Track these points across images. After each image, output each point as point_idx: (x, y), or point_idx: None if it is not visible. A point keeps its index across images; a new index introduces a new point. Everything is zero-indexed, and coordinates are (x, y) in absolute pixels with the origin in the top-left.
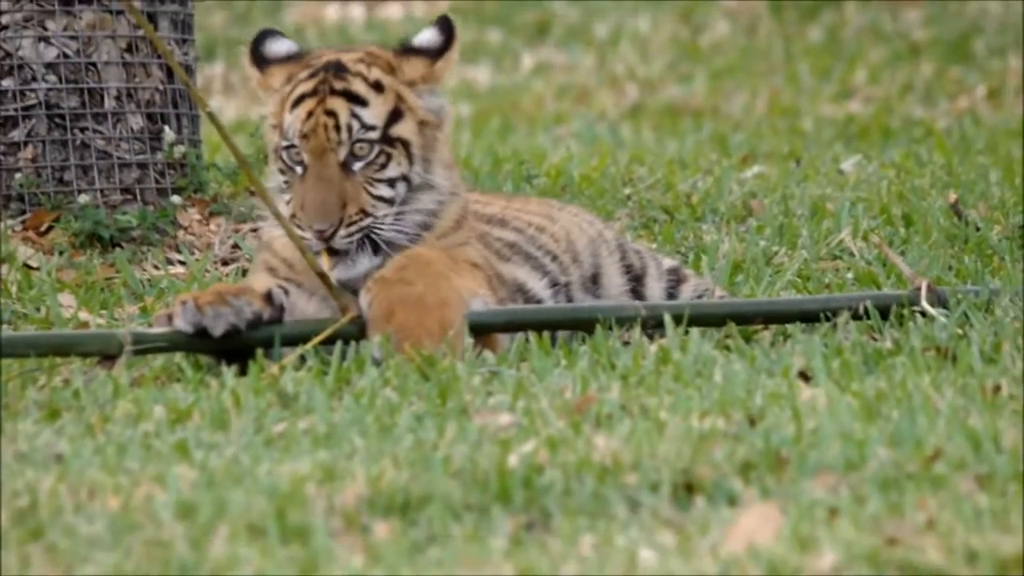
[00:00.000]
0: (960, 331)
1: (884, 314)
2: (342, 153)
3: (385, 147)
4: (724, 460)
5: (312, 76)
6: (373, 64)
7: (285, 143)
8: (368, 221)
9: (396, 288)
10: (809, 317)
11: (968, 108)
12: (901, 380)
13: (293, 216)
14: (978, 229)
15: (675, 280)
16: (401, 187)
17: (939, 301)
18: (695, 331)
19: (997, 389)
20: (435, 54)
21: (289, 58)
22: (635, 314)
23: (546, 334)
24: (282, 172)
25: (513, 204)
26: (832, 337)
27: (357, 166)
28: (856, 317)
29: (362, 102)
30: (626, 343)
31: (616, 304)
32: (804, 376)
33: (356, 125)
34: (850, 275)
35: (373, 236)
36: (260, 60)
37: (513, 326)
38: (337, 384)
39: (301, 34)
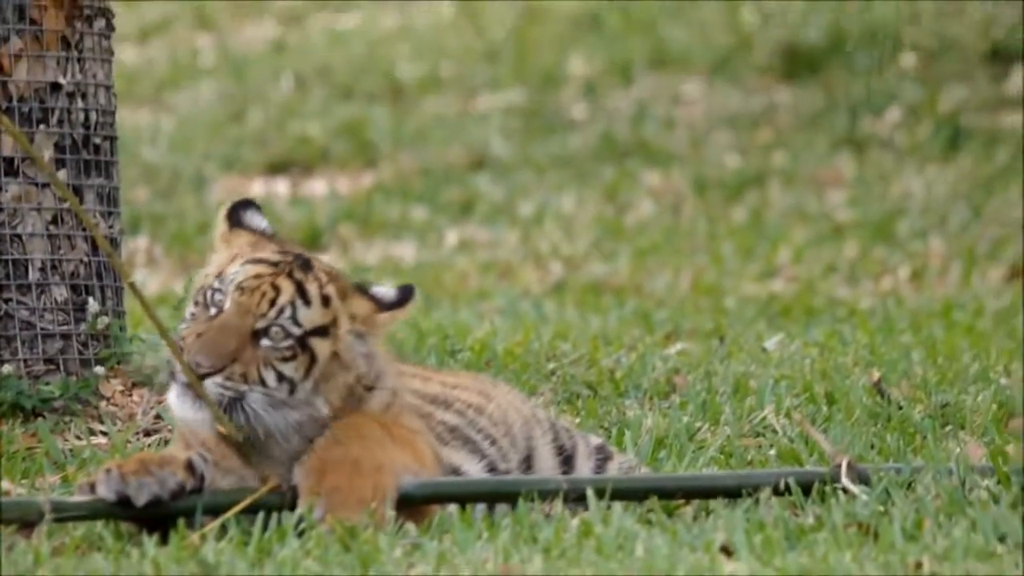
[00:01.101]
0: (882, 508)
1: (806, 490)
2: (260, 324)
3: (297, 348)
4: None
5: (280, 253)
6: (332, 281)
7: (216, 285)
8: (245, 388)
9: (331, 450)
10: (731, 493)
11: (891, 289)
12: (823, 556)
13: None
14: (900, 408)
15: (602, 458)
16: (284, 388)
17: (860, 479)
18: (617, 505)
19: (919, 566)
20: (385, 307)
21: (261, 233)
22: (557, 487)
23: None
24: (195, 306)
25: (448, 380)
26: (754, 512)
27: (264, 343)
28: (778, 493)
29: (306, 301)
30: (548, 515)
31: (539, 478)
32: (726, 551)
33: (288, 313)
34: (772, 452)
35: (243, 406)
36: (234, 220)
37: (437, 498)
38: (258, 554)
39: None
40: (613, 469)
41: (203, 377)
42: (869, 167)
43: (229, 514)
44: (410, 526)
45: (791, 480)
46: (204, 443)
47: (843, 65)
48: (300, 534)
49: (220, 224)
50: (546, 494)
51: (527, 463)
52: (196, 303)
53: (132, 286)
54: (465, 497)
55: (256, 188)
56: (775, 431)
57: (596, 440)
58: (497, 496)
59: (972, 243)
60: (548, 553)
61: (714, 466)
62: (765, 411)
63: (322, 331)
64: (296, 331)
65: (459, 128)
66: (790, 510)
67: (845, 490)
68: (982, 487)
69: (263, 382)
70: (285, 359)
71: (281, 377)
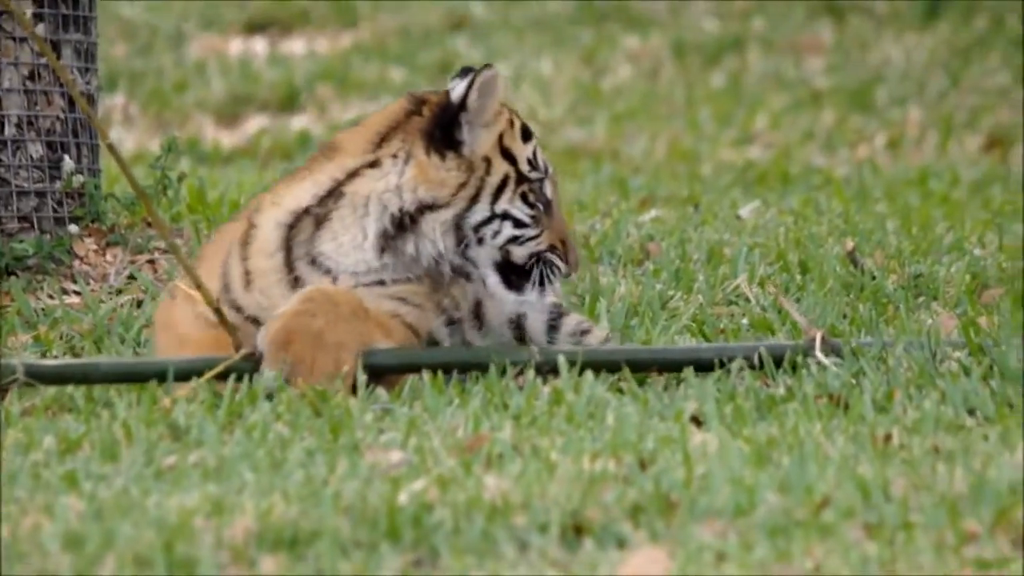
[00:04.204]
0: (853, 380)
1: (778, 363)
2: None
3: None
4: (614, 503)
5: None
6: None
7: (536, 175)
8: None
9: (298, 319)
10: (703, 365)
11: (868, 157)
12: (792, 427)
13: (552, 247)
14: (874, 278)
15: (556, 314)
16: None
17: (833, 352)
18: (588, 373)
19: (888, 438)
20: None
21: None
22: (529, 357)
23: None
24: (530, 206)
25: None
26: (725, 383)
27: None
28: (751, 366)
29: None
30: (521, 388)
31: (512, 348)
32: (696, 421)
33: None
34: (745, 321)
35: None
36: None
37: (409, 367)
38: (229, 418)
39: (203, 68)
40: (569, 324)
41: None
42: (848, 34)
43: (203, 379)
44: (381, 392)
45: (764, 352)
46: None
47: None
48: (270, 397)
49: (492, 94)
50: (518, 363)
51: (476, 313)
52: (530, 203)
53: (110, 146)
54: (437, 366)
55: (234, 47)
56: (748, 300)
57: (550, 298)
58: (469, 365)
59: (950, 112)
60: (519, 421)
61: (686, 335)
62: (738, 280)
63: None
64: None
65: None
66: (761, 381)
67: (818, 362)
68: (953, 359)
69: None
70: None
71: None
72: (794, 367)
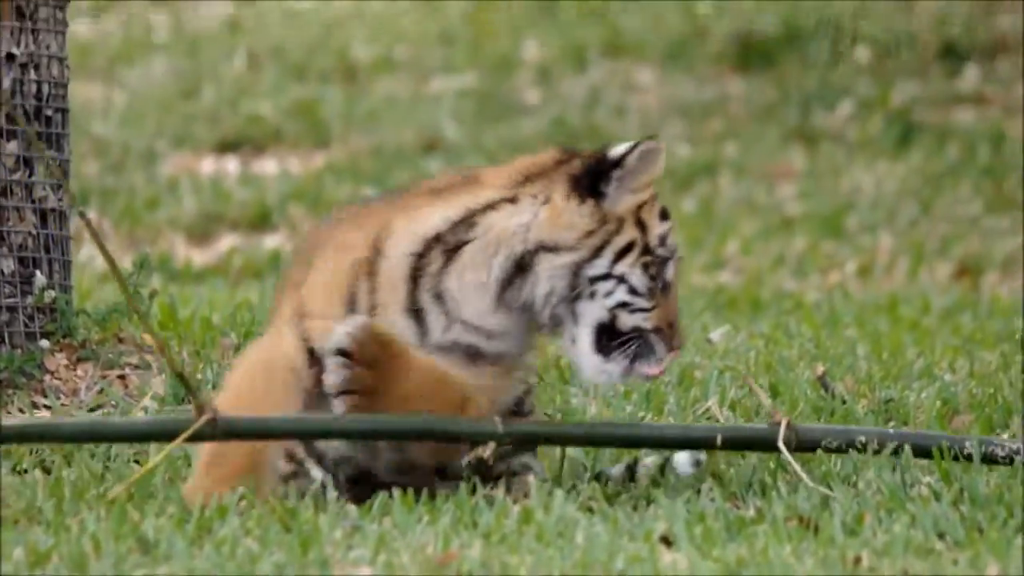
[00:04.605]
0: (822, 502)
1: (748, 445)
2: None
3: None
4: None
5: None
6: None
7: (662, 252)
8: None
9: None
10: (676, 444)
11: (838, 283)
12: (762, 548)
13: (658, 329)
14: (844, 402)
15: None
16: None
17: (799, 440)
18: (559, 492)
19: (858, 561)
20: None
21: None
22: (494, 431)
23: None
24: (650, 278)
25: None
26: (695, 503)
27: None
28: (715, 446)
29: None
30: (491, 505)
31: (475, 419)
32: (666, 541)
33: None
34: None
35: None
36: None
37: (378, 434)
38: (198, 531)
39: (175, 186)
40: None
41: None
42: (820, 160)
43: (168, 448)
44: (351, 508)
45: (735, 435)
46: None
47: (797, 57)
48: (240, 513)
49: (649, 163)
50: (482, 437)
51: None
52: (651, 276)
53: (82, 214)
54: (405, 435)
55: (207, 166)
56: (719, 422)
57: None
58: (433, 435)
59: (921, 239)
60: (488, 539)
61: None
62: (709, 402)
63: None
64: None
65: (412, 110)
66: (731, 502)
67: (785, 467)
68: (923, 483)
69: None
70: None
71: None
72: (763, 489)
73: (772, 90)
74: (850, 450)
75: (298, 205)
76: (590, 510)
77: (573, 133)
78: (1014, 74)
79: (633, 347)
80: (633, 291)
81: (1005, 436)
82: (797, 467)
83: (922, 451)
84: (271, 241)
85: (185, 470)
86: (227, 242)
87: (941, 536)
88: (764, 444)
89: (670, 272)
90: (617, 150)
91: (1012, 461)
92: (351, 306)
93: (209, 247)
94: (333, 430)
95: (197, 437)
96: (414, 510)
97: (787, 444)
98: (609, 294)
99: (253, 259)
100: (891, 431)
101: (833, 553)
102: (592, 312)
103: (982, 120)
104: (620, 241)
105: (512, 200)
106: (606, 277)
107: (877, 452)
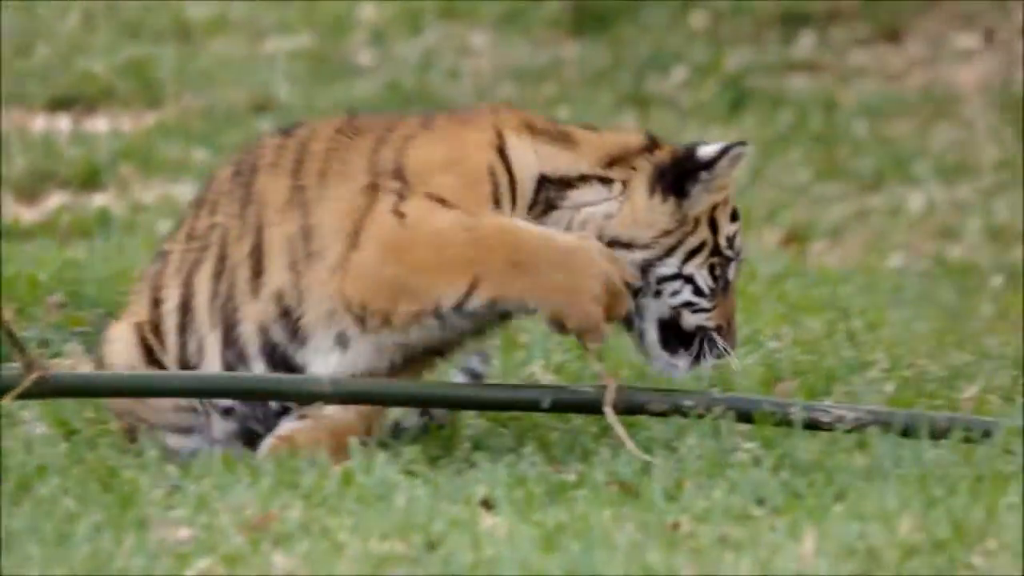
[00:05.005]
0: (643, 468)
1: (575, 408)
2: None
3: None
4: None
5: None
6: None
7: (728, 253)
8: None
9: None
10: (493, 405)
11: None
12: (582, 513)
13: (719, 328)
14: None
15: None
16: None
17: (623, 403)
18: (381, 454)
19: (676, 526)
20: None
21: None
22: (320, 390)
23: None
24: (714, 279)
25: None
26: (516, 467)
27: None
28: (543, 409)
29: None
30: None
31: (303, 377)
32: (486, 504)
33: None
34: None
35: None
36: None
37: (212, 392)
38: (18, 491)
39: (6, 144)
40: None
41: None
42: (653, 125)
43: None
44: (171, 468)
45: (562, 397)
46: None
47: (632, 22)
48: (61, 471)
49: (735, 168)
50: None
51: None
52: (715, 276)
53: None
54: (229, 393)
55: (39, 123)
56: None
57: None
58: (258, 393)
59: (750, 205)
60: (309, 500)
61: (481, 420)
62: (534, 366)
63: None
64: None
65: (245, 71)
66: (552, 466)
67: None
68: (744, 449)
69: None
70: None
71: None
72: (585, 454)
73: (606, 55)
74: (675, 415)
75: (128, 164)
76: (411, 473)
77: (406, 95)
78: (848, 42)
79: (698, 345)
80: (698, 291)
81: (828, 402)
82: (621, 430)
83: (746, 416)
84: (100, 200)
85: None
86: (56, 200)
87: (760, 502)
88: (590, 407)
89: (732, 272)
90: (707, 151)
91: (834, 428)
92: (496, 205)
93: (38, 205)
94: (156, 388)
95: (26, 395)
96: (234, 471)
97: (613, 408)
98: (675, 294)
99: (82, 217)
100: (717, 395)
101: (652, 518)
102: (656, 309)
103: (815, 87)
104: (693, 241)
105: (603, 181)
106: (674, 277)
107: (701, 416)
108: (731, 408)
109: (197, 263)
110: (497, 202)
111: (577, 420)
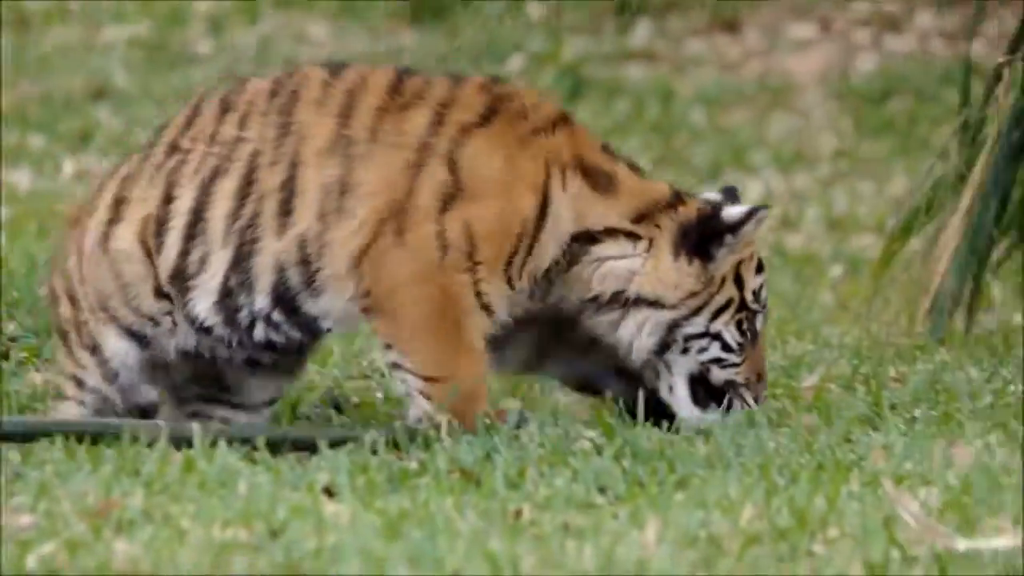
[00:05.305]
0: (486, 456)
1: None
2: None
3: None
4: (244, 571)
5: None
6: None
7: (755, 307)
8: None
9: None
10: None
11: None
12: (424, 500)
13: (747, 381)
14: None
15: None
16: None
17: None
18: (222, 442)
19: (519, 514)
20: None
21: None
22: (157, 431)
23: None
24: (741, 334)
25: None
26: (358, 454)
27: None
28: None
29: None
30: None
31: (142, 421)
32: (328, 492)
33: None
34: (380, 395)
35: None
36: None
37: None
38: None
39: None
40: None
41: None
42: None
43: None
44: (14, 454)
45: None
46: None
47: (470, 11)
48: None
49: (759, 229)
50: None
51: None
52: (743, 331)
53: None
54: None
55: None
56: (383, 374)
57: None
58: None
59: None
60: (150, 487)
61: (321, 407)
62: (374, 354)
63: None
64: None
65: (82, 58)
66: (395, 454)
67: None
68: (586, 437)
69: None
70: None
71: None
72: (427, 442)
73: (444, 44)
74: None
75: None
76: (253, 460)
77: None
78: (685, 32)
79: (728, 400)
80: (726, 347)
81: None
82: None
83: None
84: None
85: None
86: None
87: (602, 490)
88: None
89: (759, 324)
90: (733, 214)
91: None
92: (507, 266)
93: None
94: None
95: None
96: (75, 458)
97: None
98: (703, 351)
99: None
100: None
101: (495, 506)
102: (685, 365)
103: (652, 77)
104: (719, 300)
105: (629, 236)
106: (702, 336)
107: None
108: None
109: (218, 172)
110: (509, 263)
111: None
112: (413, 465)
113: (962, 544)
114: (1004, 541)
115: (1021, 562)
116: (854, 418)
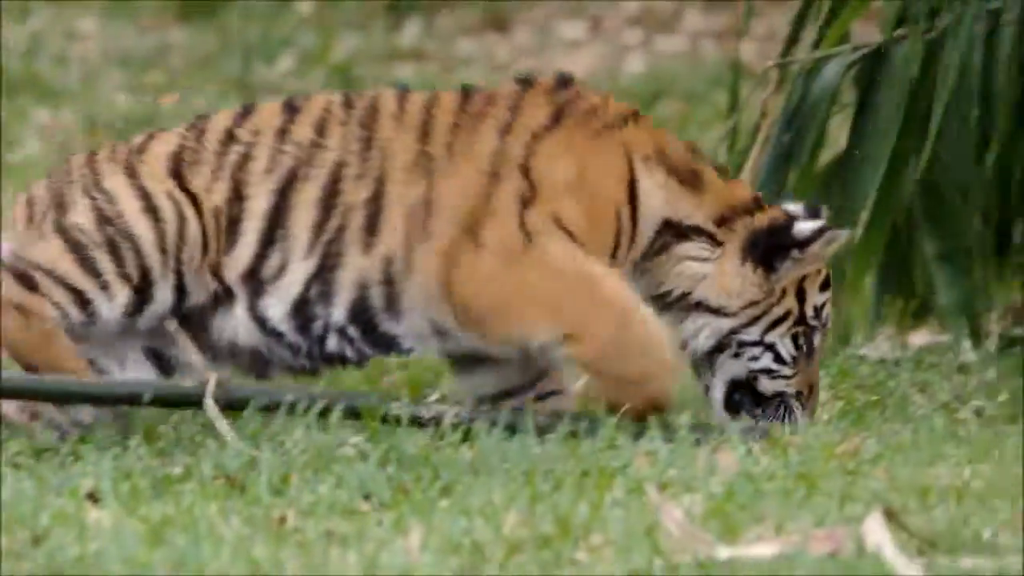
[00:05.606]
0: (250, 461)
1: (175, 404)
2: None
3: None
4: None
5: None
6: None
7: (814, 323)
8: None
9: None
10: (95, 399)
11: None
12: (188, 506)
13: (798, 393)
14: None
15: None
16: None
17: (226, 398)
18: None
19: (283, 520)
20: None
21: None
22: None
23: None
24: (796, 347)
25: None
26: (123, 460)
27: None
28: (139, 403)
29: None
30: None
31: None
32: (92, 497)
33: None
34: None
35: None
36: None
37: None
38: None
39: None
40: None
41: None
42: None
43: None
44: None
45: (164, 391)
46: None
47: (239, 8)
48: None
49: (829, 250)
50: None
51: None
52: (798, 345)
53: None
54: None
55: None
56: None
57: None
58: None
59: None
60: None
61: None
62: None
63: None
64: None
65: None
66: (160, 459)
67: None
68: (351, 443)
69: None
70: None
71: None
72: (194, 447)
73: (213, 41)
74: (279, 409)
75: None
76: (17, 466)
77: (13, 82)
78: (455, 31)
79: (775, 409)
80: (779, 359)
81: (434, 397)
82: (224, 424)
83: (351, 412)
84: None
85: None
86: None
87: (367, 497)
88: (192, 401)
89: (817, 340)
90: (803, 230)
91: (439, 423)
92: (613, 255)
93: None
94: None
95: None
96: None
97: (217, 402)
98: (754, 359)
99: None
100: (321, 390)
101: (259, 512)
102: (732, 368)
103: (421, 76)
104: (777, 311)
105: (711, 238)
106: (755, 344)
107: (306, 412)
108: (333, 401)
109: (296, 176)
110: (615, 251)
111: (186, 413)
112: (177, 471)
113: (724, 552)
114: (766, 549)
115: (782, 570)
116: (618, 424)
